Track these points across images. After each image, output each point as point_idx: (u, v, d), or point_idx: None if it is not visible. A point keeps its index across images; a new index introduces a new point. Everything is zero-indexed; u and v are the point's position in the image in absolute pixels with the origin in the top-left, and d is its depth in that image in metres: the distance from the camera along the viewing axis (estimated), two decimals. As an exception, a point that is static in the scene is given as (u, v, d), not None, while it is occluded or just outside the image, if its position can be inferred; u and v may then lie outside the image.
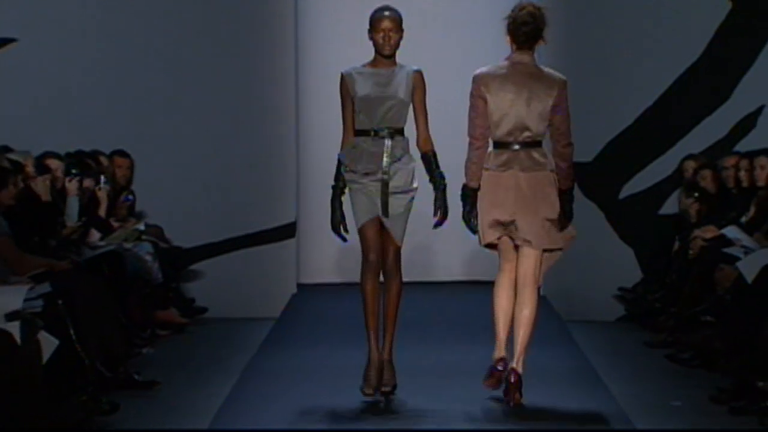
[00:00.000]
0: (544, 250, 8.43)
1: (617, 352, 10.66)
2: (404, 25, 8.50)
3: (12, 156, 10.16)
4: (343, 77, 8.52)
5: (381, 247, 8.45)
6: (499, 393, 8.36)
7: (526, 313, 8.37)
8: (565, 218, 8.54)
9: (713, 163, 11.82)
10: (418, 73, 8.46)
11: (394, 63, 8.50)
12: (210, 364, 10.22)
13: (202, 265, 12.52)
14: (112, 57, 12.32)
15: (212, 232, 12.48)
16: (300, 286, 12.91)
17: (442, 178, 8.46)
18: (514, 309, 8.39)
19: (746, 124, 12.21)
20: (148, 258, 11.22)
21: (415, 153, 8.51)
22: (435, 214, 8.44)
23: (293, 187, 12.63)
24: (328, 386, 8.80)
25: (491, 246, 8.48)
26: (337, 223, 8.51)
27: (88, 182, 11.19)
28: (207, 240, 12.48)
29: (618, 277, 12.21)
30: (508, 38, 8.44)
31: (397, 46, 8.43)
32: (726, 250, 10.10)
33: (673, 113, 12.24)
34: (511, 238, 8.39)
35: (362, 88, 8.44)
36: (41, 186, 9.90)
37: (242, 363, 9.91)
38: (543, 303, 12.14)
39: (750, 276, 9.13)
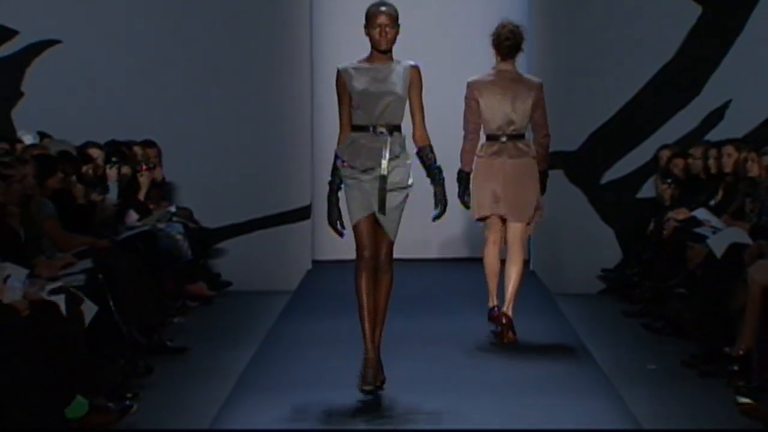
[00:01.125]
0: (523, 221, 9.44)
1: (598, 321, 10.67)
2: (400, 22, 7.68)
3: (53, 144, 10.19)
4: (339, 73, 7.70)
5: (375, 243, 7.66)
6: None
7: (515, 270, 9.28)
8: (540, 192, 9.48)
9: (685, 152, 11.82)
10: (415, 69, 7.68)
11: (391, 58, 7.70)
12: (234, 331, 10.24)
13: (227, 244, 12.51)
14: (146, 56, 12.30)
15: (236, 214, 12.48)
16: (314, 262, 12.91)
17: (440, 171, 7.71)
18: (501, 267, 9.37)
19: (715, 117, 12.19)
20: (179, 237, 11.21)
21: (410, 149, 7.72)
22: (435, 207, 7.69)
23: (308, 173, 12.63)
24: (340, 352, 8.81)
25: (482, 219, 9.45)
26: (334, 218, 7.71)
27: (125, 169, 11.23)
28: (231, 221, 12.48)
29: (599, 255, 12.20)
30: (494, 51, 9.40)
31: (393, 41, 7.64)
32: (696, 230, 10.09)
33: (650, 107, 12.23)
34: (499, 216, 9.40)
35: (359, 83, 7.63)
36: (78, 190, 9.89)
37: (263, 331, 9.93)
38: (533, 278, 12.21)
39: (719, 252, 9.14)
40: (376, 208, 7.61)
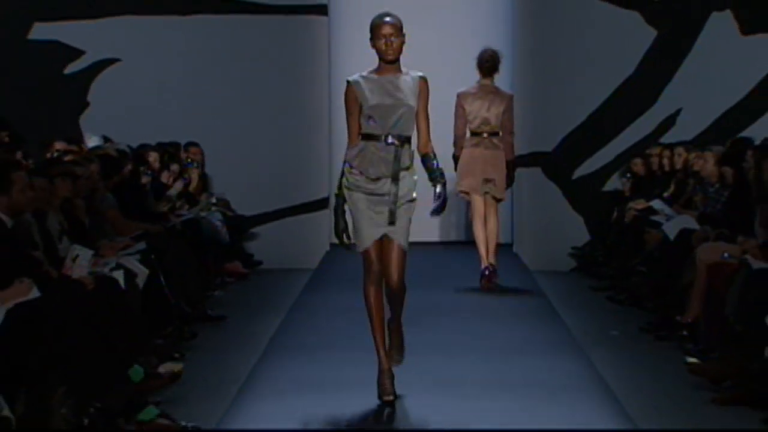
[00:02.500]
0: (497, 199, 10.59)
1: (570, 294, 10.66)
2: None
3: (112, 147, 10.20)
4: (350, 84, 6.57)
5: (382, 256, 6.58)
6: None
7: (492, 229, 10.47)
8: (509, 177, 10.57)
9: (643, 152, 11.83)
10: (423, 80, 6.61)
11: (399, 69, 6.58)
12: (265, 302, 10.25)
13: (259, 229, 12.51)
14: (191, 72, 12.30)
15: (266, 204, 12.49)
16: (332, 244, 12.89)
17: (442, 174, 6.69)
18: (486, 236, 10.44)
19: (668, 123, 12.18)
20: (218, 224, 11.22)
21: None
22: (435, 200, 6.64)
23: (326, 171, 12.62)
24: (354, 319, 8.83)
25: (464, 192, 10.57)
26: (341, 230, 6.64)
27: (174, 167, 11.26)
28: (262, 210, 12.48)
29: (571, 238, 12.19)
30: (477, 70, 10.47)
31: (399, 51, 6.54)
32: (653, 217, 10.10)
33: (613, 114, 12.21)
34: (479, 194, 10.49)
35: (373, 96, 6.51)
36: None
37: (289, 302, 9.94)
38: (515, 258, 12.23)
39: (671, 236, 9.16)
40: (386, 221, 6.53)
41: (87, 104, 12.30)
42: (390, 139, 6.53)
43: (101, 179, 8.89)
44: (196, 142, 11.94)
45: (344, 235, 6.67)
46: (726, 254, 7.85)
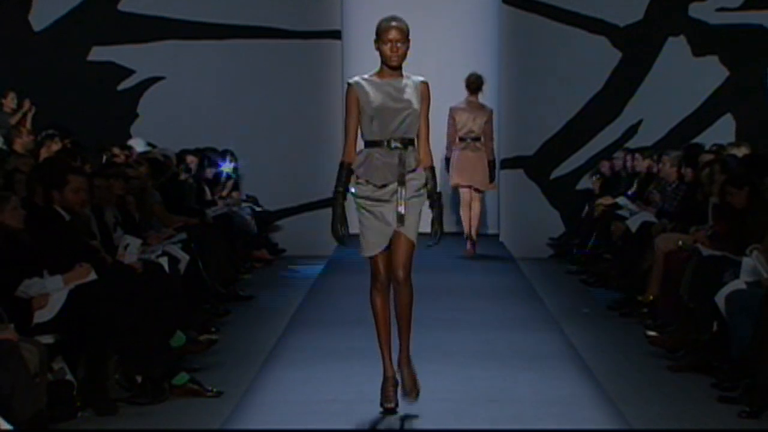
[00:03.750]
0: (479, 190, 11.37)
1: (547, 276, 10.64)
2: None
3: (159, 151, 10.23)
4: (351, 86, 5.63)
5: (389, 261, 5.65)
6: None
7: (476, 212, 11.38)
8: (490, 173, 11.37)
9: (610, 156, 11.83)
10: (425, 85, 5.68)
11: (401, 74, 5.68)
12: (287, 284, 10.27)
13: (283, 222, 12.49)
14: (225, 88, 12.30)
15: (289, 200, 12.46)
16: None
17: (439, 197, 5.71)
18: (471, 218, 11.35)
19: (631, 131, 12.17)
20: (248, 217, 11.24)
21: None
22: (432, 232, 5.72)
23: (340, 171, 12.60)
24: (365, 300, 8.81)
25: (456, 186, 11.37)
26: (338, 229, 5.69)
27: (209, 171, 11.28)
28: (285, 205, 12.44)
29: (549, 229, 12.14)
30: (466, 89, 11.26)
31: (404, 56, 5.63)
32: (618, 212, 10.10)
33: (585, 123, 12.19)
34: (467, 187, 11.29)
35: (376, 97, 5.59)
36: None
37: (308, 284, 9.96)
38: (501, 246, 12.21)
39: (633, 228, 9.17)
40: (393, 225, 5.61)
41: (136, 116, 12.31)
42: (393, 144, 5.61)
43: (149, 179, 8.91)
44: (231, 150, 11.93)
45: (342, 234, 5.70)
46: (680, 243, 7.86)
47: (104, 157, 9.59)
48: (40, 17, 12.22)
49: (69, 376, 5.84)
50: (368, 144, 5.67)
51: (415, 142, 5.69)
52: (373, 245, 5.67)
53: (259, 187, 12.28)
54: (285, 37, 12.33)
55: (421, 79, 5.73)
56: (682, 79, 12.01)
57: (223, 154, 11.83)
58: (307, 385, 6.32)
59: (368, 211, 5.67)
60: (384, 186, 5.63)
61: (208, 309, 8.26)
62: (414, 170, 5.65)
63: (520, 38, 12.18)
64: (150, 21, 12.23)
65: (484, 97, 11.62)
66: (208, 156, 11.33)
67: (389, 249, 5.65)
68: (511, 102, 12.24)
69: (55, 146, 9.14)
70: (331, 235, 5.76)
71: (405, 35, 5.64)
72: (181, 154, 10.78)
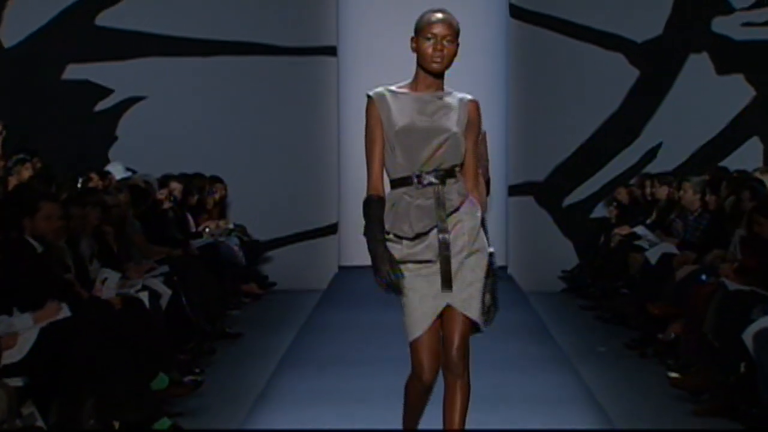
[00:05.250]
0: None
1: (561, 313, 10.65)
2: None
3: (140, 178, 10.22)
4: (371, 100, 4.49)
5: (438, 355, 4.41)
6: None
7: None
8: (485, 192, 10.01)
9: (627, 182, 11.83)
10: (474, 105, 4.50)
11: (442, 86, 4.51)
12: (278, 321, 10.23)
13: (273, 253, 12.51)
14: (211, 108, 12.34)
15: (279, 230, 12.49)
16: (340, 267, 12.92)
17: (492, 258, 4.52)
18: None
19: (650, 155, 12.21)
20: (236, 247, 11.22)
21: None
22: (485, 307, 4.50)
23: (335, 199, 12.64)
24: (361, 337, 8.83)
25: None
26: (385, 272, 4.37)
27: (192, 199, 11.28)
28: (276, 235, 12.48)
29: (562, 261, 12.17)
30: None
31: (450, 61, 4.47)
32: (636, 242, 10.09)
33: (600, 147, 12.22)
34: None
35: (401, 115, 4.41)
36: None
37: (301, 320, 9.92)
38: (509, 279, 12.20)
39: (653, 260, 9.15)
40: (441, 288, 4.39)
41: (115, 138, 12.34)
42: (426, 179, 4.41)
43: (129, 207, 8.90)
44: (219, 177, 11.95)
45: (393, 278, 4.38)
46: (703, 276, 7.84)
47: (80, 184, 9.58)
48: (11, 32, 12.26)
49: (40, 422, 5.79)
50: (394, 184, 4.47)
51: (457, 172, 4.47)
52: (416, 322, 4.38)
53: (249, 215, 12.29)
54: (276, 54, 12.37)
55: (470, 96, 4.54)
56: (704, 99, 12.04)
57: (210, 179, 11.84)
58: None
59: (410, 275, 4.42)
60: (419, 237, 4.39)
61: (192, 348, 8.23)
62: (458, 209, 4.42)
63: (529, 55, 12.22)
64: (130, 36, 12.27)
65: (488, 118, 11.50)
66: (193, 182, 11.32)
67: (438, 331, 4.42)
68: (520, 123, 12.26)
69: (27, 172, 9.13)
70: (377, 282, 4.43)
71: (455, 32, 4.47)
72: (164, 180, 10.77)
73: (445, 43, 4.45)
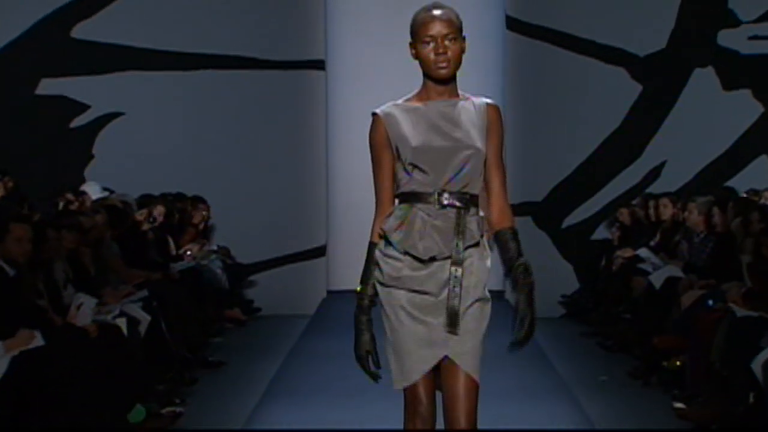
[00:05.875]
0: None
1: (560, 340, 10.59)
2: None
3: (115, 197, 10.21)
4: (377, 119, 4.04)
5: (443, 392, 4.10)
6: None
7: None
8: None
9: (629, 202, 11.84)
10: (494, 109, 4.11)
11: (456, 92, 4.08)
12: (263, 348, 10.20)
13: (258, 276, 12.50)
14: (192, 125, 12.34)
15: (264, 252, 12.47)
16: (329, 291, 12.88)
17: (527, 271, 4.18)
18: None
19: (653, 174, 12.22)
20: (219, 271, 11.21)
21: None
22: (515, 327, 4.19)
23: (324, 220, 12.62)
24: (350, 365, 8.78)
25: None
26: (364, 351, 4.16)
27: (173, 220, 11.28)
28: (261, 258, 12.46)
29: (561, 285, 12.16)
30: None
31: (458, 62, 4.03)
32: (639, 266, 10.08)
33: (601, 165, 12.24)
34: None
35: (415, 133, 4.00)
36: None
37: (287, 348, 9.88)
38: (505, 304, 12.15)
39: (658, 284, 9.14)
40: (443, 330, 4.02)
41: (92, 157, 12.32)
42: (446, 199, 4.01)
43: (106, 229, 8.88)
44: (202, 197, 11.94)
45: (370, 358, 4.14)
46: (710, 302, 7.83)
47: (56, 205, 9.55)
48: (-17, 45, 12.28)
49: (11, 456, 5.76)
50: (406, 197, 4.04)
51: (478, 202, 4.09)
52: (412, 368, 4.03)
53: (232, 236, 12.28)
54: (261, 68, 12.38)
55: (487, 100, 4.14)
56: (710, 116, 12.07)
57: (192, 199, 11.83)
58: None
59: (404, 309, 4.02)
60: (428, 261, 3.99)
61: (172, 377, 8.20)
62: (476, 245, 4.05)
63: (527, 69, 12.24)
64: (107, 49, 12.27)
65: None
66: (177, 206, 11.32)
67: (437, 374, 4.06)
68: (518, 141, 12.26)
69: (-1, 191, 9.13)
70: (357, 362, 4.16)
71: (457, 29, 4.04)
72: (143, 201, 10.75)
73: (447, 43, 4.02)
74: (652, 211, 11.16)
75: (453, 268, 3.97)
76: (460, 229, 4.00)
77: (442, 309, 4.00)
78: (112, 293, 8.10)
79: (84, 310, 6.99)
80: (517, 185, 12.17)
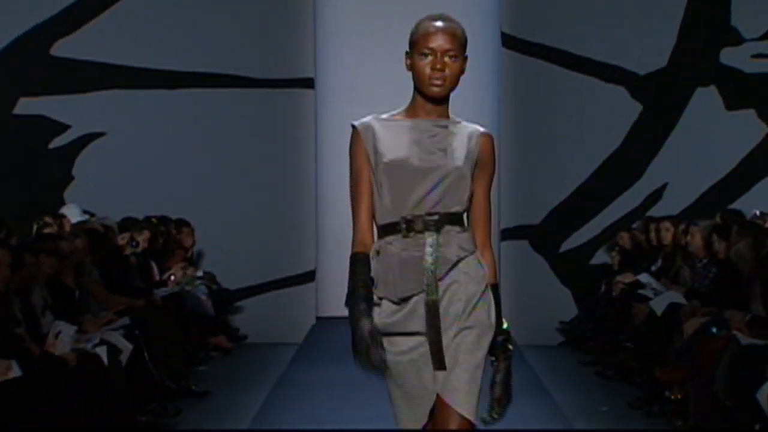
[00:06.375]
0: None
1: (558, 369, 10.60)
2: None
3: (95, 220, 10.19)
4: (356, 131, 3.92)
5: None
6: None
7: None
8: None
9: (629, 226, 11.84)
10: (488, 139, 3.93)
11: (446, 113, 3.92)
12: (250, 378, 10.17)
13: (244, 303, 12.46)
14: (177, 146, 12.33)
15: (251, 278, 12.45)
16: (318, 318, 12.88)
17: (508, 340, 4.02)
18: None
19: (654, 197, 12.23)
20: (204, 297, 11.18)
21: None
22: (490, 404, 4.00)
23: (313, 244, 12.62)
24: (340, 395, 8.78)
25: None
26: (368, 353, 3.75)
27: (156, 244, 11.26)
28: (248, 283, 12.43)
29: (559, 312, 12.14)
30: None
31: (455, 82, 3.87)
32: (640, 291, 10.06)
33: (600, 187, 12.24)
34: None
35: (392, 147, 3.83)
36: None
37: (275, 377, 9.88)
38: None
39: (659, 311, 9.14)
40: (432, 368, 3.81)
41: (72, 178, 12.30)
42: (417, 224, 3.80)
43: (86, 254, 8.86)
44: (186, 220, 11.92)
45: (377, 358, 3.76)
46: (714, 329, 7.82)
47: (34, 228, 9.54)
48: (-42, 63, 12.28)
49: (-14, 491, 5.72)
50: (381, 232, 3.87)
51: (464, 221, 3.87)
52: (407, 419, 3.86)
53: (218, 261, 12.26)
54: (248, 86, 12.39)
55: (482, 129, 3.97)
56: (713, 136, 12.09)
57: (177, 222, 11.81)
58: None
59: (389, 348, 3.81)
60: (404, 301, 3.80)
61: (155, 408, 8.18)
62: (457, 263, 3.80)
63: (522, 87, 12.27)
64: (89, 67, 12.27)
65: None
66: (161, 230, 11.30)
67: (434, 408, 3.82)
68: (513, 161, 12.28)
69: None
70: (357, 362, 3.84)
71: (460, 46, 3.87)
72: (126, 224, 10.74)
73: (446, 59, 3.84)
74: (653, 235, 11.16)
75: (428, 299, 3.77)
76: (435, 255, 3.78)
77: (425, 348, 3.81)
78: (92, 321, 8.07)
79: (63, 338, 6.97)
80: (513, 208, 12.22)
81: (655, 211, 11.97)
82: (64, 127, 12.34)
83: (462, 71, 3.87)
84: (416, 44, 3.86)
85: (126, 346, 7.83)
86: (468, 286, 3.82)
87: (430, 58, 3.83)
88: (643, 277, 10.27)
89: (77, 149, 12.33)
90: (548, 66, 12.21)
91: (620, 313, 10.39)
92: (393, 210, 3.82)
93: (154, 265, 10.97)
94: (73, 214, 10.83)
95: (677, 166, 12.12)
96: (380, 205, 3.84)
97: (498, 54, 12.48)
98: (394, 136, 3.84)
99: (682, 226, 10.32)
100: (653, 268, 10.63)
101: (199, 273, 11.76)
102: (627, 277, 10.74)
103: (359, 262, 3.85)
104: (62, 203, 11.78)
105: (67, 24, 12.31)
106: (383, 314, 3.81)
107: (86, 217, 10.80)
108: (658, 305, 9.17)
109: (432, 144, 3.84)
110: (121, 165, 12.23)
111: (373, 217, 3.88)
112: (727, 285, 8.48)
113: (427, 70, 3.83)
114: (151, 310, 9.27)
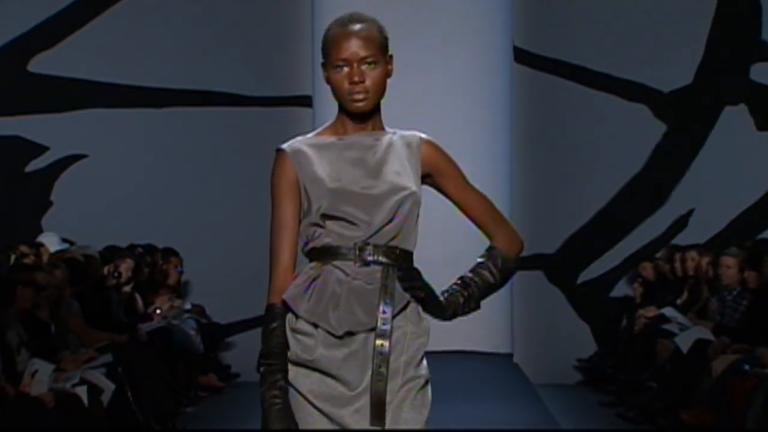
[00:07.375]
0: None
1: (576, 410, 10.55)
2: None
3: (76, 250, 10.19)
4: (283, 156, 3.60)
5: None
6: None
7: None
8: None
9: (653, 255, 11.84)
10: (429, 145, 3.67)
11: (380, 124, 3.66)
12: (242, 420, 10.11)
13: (236, 338, 12.45)
14: (161, 170, 12.34)
15: (243, 311, 12.42)
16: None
17: (469, 304, 3.68)
18: None
19: (679, 224, 12.22)
20: (192, 332, 11.18)
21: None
22: (452, 298, 3.64)
23: (311, 274, 12.62)
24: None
25: None
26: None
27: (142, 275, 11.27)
28: (239, 317, 12.42)
29: (577, 348, 12.13)
30: None
31: (380, 91, 3.59)
32: (664, 326, 10.07)
33: (621, 214, 12.24)
34: None
35: (332, 172, 3.57)
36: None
37: (269, 419, 9.84)
38: (515, 369, 12.15)
39: (685, 348, 9.12)
40: (367, 424, 3.47)
41: (50, 204, 12.30)
42: (370, 254, 3.54)
43: (66, 286, 8.86)
44: (174, 249, 11.92)
45: None
46: (746, 366, 7.80)
47: (12, 258, 9.53)
48: (-69, 80, 12.32)
49: None
50: (317, 254, 3.60)
51: (413, 258, 3.63)
52: None
53: (207, 293, 12.25)
54: (242, 105, 12.42)
55: (421, 135, 3.68)
56: (743, 159, 12.10)
57: (164, 252, 11.82)
58: None
59: (307, 387, 3.54)
60: (345, 337, 3.51)
61: (138, 453, 8.15)
62: (404, 310, 3.54)
63: (537, 105, 12.28)
64: (68, 85, 12.30)
65: (489, 179, 11.43)
66: (146, 260, 11.31)
67: None
68: (527, 185, 12.29)
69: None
70: None
71: (377, 49, 3.58)
72: (108, 254, 10.74)
73: (365, 68, 3.55)
74: (678, 265, 11.15)
75: (378, 342, 3.47)
76: (387, 292, 3.50)
77: (361, 400, 3.46)
78: (72, 358, 8.06)
79: (39, 377, 6.96)
80: (526, 235, 11.98)
81: (680, 240, 11.96)
82: (42, 149, 12.35)
83: (387, 75, 3.60)
84: (328, 56, 3.57)
85: (108, 386, 7.81)
86: (416, 336, 3.56)
87: (345, 69, 3.55)
88: (668, 311, 10.27)
89: (56, 173, 12.35)
90: (564, 83, 12.22)
91: (643, 350, 10.38)
92: (345, 236, 3.54)
93: (138, 297, 10.97)
94: (51, 243, 10.82)
95: (704, 191, 12.12)
96: (323, 232, 3.55)
97: (510, 70, 12.50)
98: (331, 159, 3.58)
99: (710, 256, 10.32)
100: (678, 301, 10.63)
101: (187, 306, 11.75)
102: (650, 311, 10.73)
103: (277, 318, 3.55)
104: (40, 231, 11.79)
105: (45, 38, 12.34)
106: (319, 346, 3.49)
107: (66, 246, 10.80)
108: (684, 341, 9.16)
109: (373, 164, 3.57)
110: (103, 190, 12.23)
111: (295, 260, 3.60)
112: (760, 319, 8.46)
113: (345, 85, 3.55)
114: (135, 347, 9.26)
